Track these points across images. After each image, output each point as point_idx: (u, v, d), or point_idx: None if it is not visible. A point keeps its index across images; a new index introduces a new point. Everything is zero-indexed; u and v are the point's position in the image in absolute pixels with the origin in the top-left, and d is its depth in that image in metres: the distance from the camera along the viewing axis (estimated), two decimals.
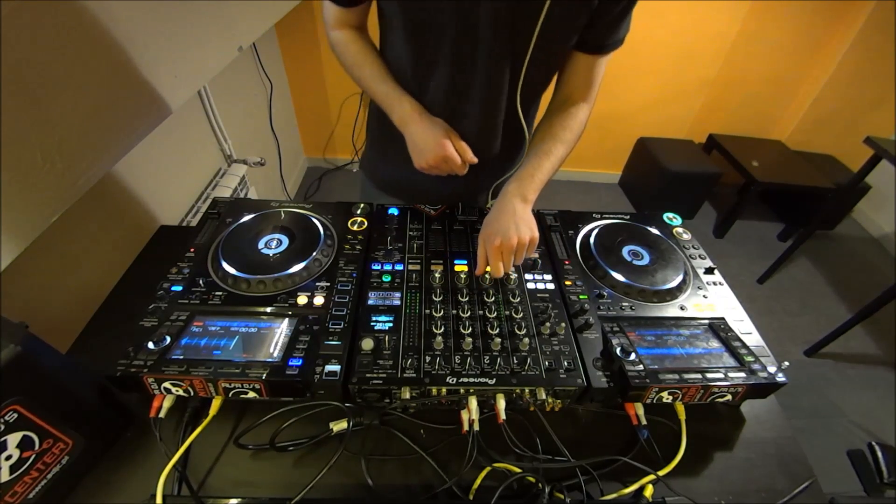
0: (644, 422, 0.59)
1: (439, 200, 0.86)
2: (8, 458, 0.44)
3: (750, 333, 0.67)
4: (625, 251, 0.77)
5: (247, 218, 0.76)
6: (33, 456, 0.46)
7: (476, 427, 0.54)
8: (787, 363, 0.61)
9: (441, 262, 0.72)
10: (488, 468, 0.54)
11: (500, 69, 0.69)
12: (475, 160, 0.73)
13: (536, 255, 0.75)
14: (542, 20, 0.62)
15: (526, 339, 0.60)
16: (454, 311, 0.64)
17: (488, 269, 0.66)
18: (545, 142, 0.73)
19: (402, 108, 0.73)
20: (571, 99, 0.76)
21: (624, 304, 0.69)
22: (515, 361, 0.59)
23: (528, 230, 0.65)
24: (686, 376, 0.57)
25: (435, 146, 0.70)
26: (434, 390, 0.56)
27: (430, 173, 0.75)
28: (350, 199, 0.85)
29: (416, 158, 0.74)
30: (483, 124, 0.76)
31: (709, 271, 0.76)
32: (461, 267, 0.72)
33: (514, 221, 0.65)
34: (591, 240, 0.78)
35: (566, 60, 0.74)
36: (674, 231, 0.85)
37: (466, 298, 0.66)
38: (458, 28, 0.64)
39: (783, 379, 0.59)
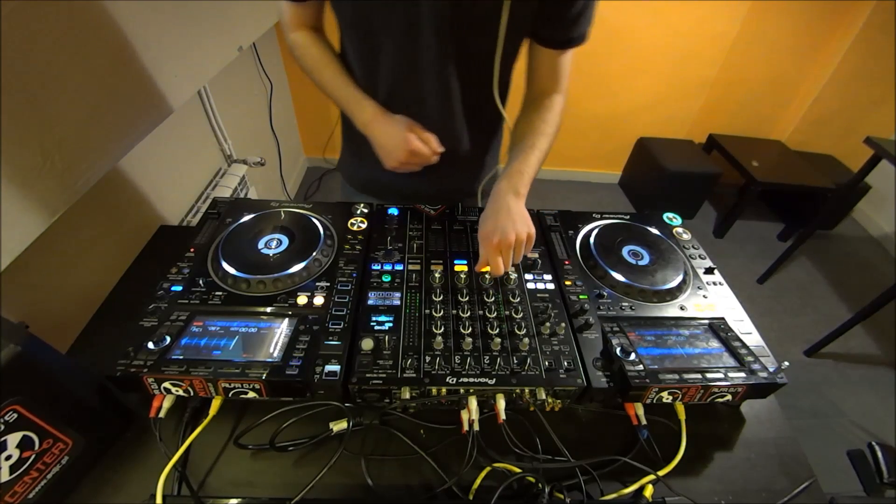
0: (644, 422, 0.59)
1: (419, 200, 0.86)
2: (8, 458, 0.44)
3: (750, 333, 0.67)
4: (625, 251, 0.77)
5: (247, 218, 0.76)
6: (33, 456, 0.46)
7: (476, 427, 0.54)
8: (787, 363, 0.61)
9: (441, 262, 0.72)
10: (488, 468, 0.54)
11: (447, 67, 0.70)
12: (442, 149, 0.74)
13: (536, 255, 0.75)
14: (504, 18, 0.63)
15: (526, 339, 0.60)
16: (454, 311, 0.64)
17: (487, 267, 0.66)
18: (528, 137, 0.73)
19: (362, 113, 0.74)
20: (545, 93, 0.76)
21: (624, 304, 0.69)
22: (515, 361, 0.59)
23: (525, 226, 0.65)
24: (686, 376, 0.57)
25: (400, 142, 0.71)
26: (434, 390, 0.56)
27: (404, 171, 0.75)
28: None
29: (386, 160, 0.75)
30: (440, 122, 0.76)
31: (709, 271, 0.76)
32: (461, 267, 0.72)
33: (511, 218, 0.65)
34: (591, 240, 0.78)
35: (533, 57, 0.74)
36: (674, 231, 0.85)
37: (466, 298, 0.66)
38: (401, 27, 0.65)
39: (783, 379, 0.59)
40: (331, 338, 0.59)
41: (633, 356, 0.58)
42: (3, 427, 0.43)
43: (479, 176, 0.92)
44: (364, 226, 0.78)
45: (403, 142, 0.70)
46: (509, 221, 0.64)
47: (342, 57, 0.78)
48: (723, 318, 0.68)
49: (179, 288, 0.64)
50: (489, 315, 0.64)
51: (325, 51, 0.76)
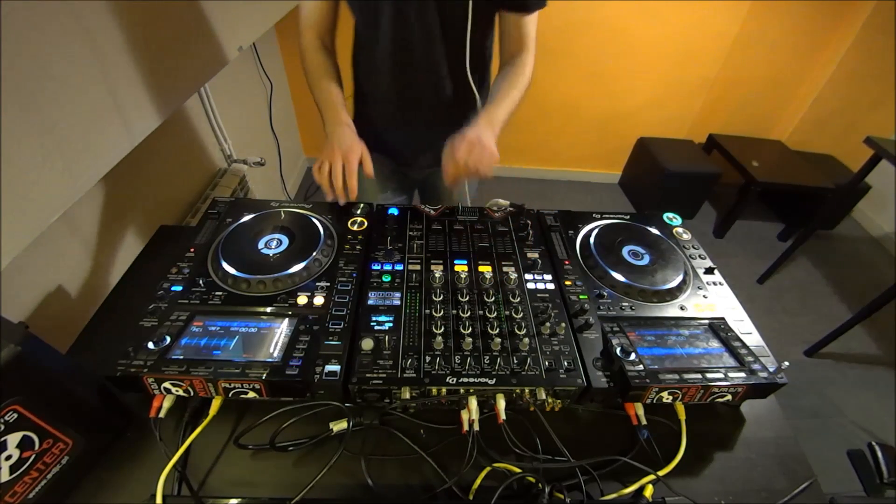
0: (644, 422, 0.59)
1: (408, 158, 1.05)
2: (8, 458, 0.44)
3: (750, 333, 0.67)
4: (625, 251, 0.77)
5: (247, 218, 0.76)
6: (33, 456, 0.46)
7: (476, 427, 0.54)
8: (787, 363, 0.61)
9: (441, 262, 0.72)
10: (488, 468, 0.54)
11: (433, 32, 0.82)
12: (345, 194, 0.78)
13: (536, 255, 0.75)
14: None
15: (526, 339, 0.60)
16: (454, 311, 0.64)
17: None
18: (503, 88, 0.86)
19: (332, 120, 0.83)
20: (515, 54, 0.89)
21: (624, 304, 0.69)
22: (515, 361, 0.59)
23: (492, 151, 0.75)
24: (686, 376, 0.57)
25: (335, 150, 0.78)
26: (434, 390, 0.56)
27: (321, 167, 0.79)
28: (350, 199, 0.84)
29: (324, 149, 0.81)
30: (427, 83, 0.90)
31: (709, 271, 0.76)
32: (461, 267, 0.72)
33: (481, 143, 0.75)
34: (591, 240, 0.78)
35: (502, 24, 0.87)
36: (674, 231, 0.85)
37: (466, 298, 0.66)
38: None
39: (783, 379, 0.59)
40: (331, 338, 0.59)
41: (633, 356, 0.58)
42: (3, 427, 0.42)
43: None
44: (364, 226, 0.78)
45: (335, 152, 0.78)
46: (475, 139, 0.75)
47: (354, 43, 0.93)
48: (723, 318, 0.68)
49: (179, 288, 0.64)
50: (489, 315, 0.64)
51: (328, 61, 0.88)
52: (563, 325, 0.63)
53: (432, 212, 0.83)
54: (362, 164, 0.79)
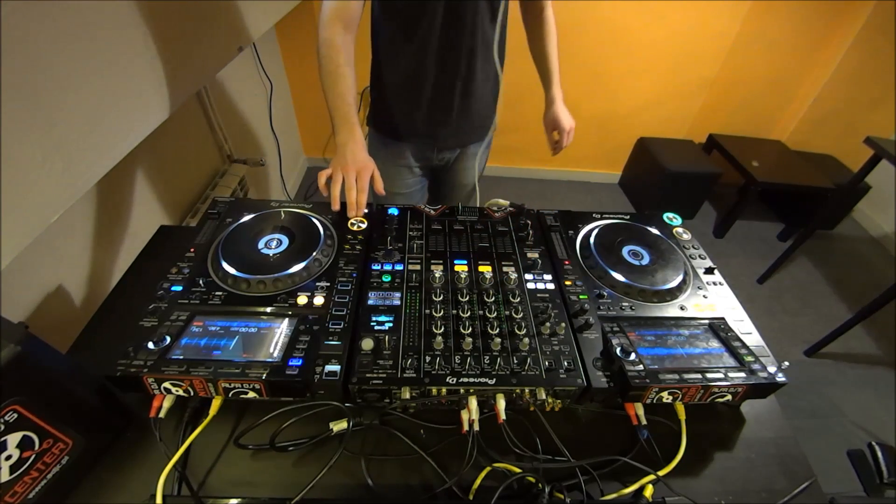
0: (644, 422, 0.59)
1: (423, 140, 1.08)
2: (8, 458, 0.44)
3: (750, 333, 0.67)
4: (625, 251, 0.77)
5: (247, 218, 0.76)
6: (33, 456, 0.46)
7: (476, 427, 0.54)
8: (787, 363, 0.61)
9: (441, 262, 0.72)
10: (488, 468, 0.54)
11: (482, 26, 0.91)
12: (349, 208, 0.80)
13: (536, 255, 0.75)
14: None
15: (526, 339, 0.60)
16: (454, 311, 0.64)
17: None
18: (550, 55, 1.11)
19: (346, 132, 0.84)
20: (540, 10, 1.07)
21: (624, 304, 0.69)
22: (515, 361, 0.58)
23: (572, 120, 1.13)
24: (686, 376, 0.57)
25: (344, 162, 0.82)
26: (434, 390, 0.56)
27: (333, 177, 0.82)
28: None
29: (336, 161, 0.84)
30: (464, 71, 0.96)
31: (709, 271, 0.76)
32: (461, 267, 0.72)
33: (569, 116, 1.13)
34: (591, 240, 0.78)
35: None
36: (674, 231, 0.85)
37: (466, 298, 0.66)
38: None
39: (783, 379, 0.59)
40: (331, 338, 0.59)
41: (633, 356, 0.58)
42: (3, 427, 0.42)
43: (486, 121, 1.12)
44: (364, 226, 0.78)
45: (349, 167, 0.81)
46: (569, 117, 1.12)
47: (374, 19, 0.96)
48: (723, 318, 0.68)
49: (179, 288, 0.64)
50: (489, 315, 0.64)
51: (349, 62, 0.86)
52: (563, 325, 0.63)
53: (432, 212, 0.83)
54: (373, 181, 0.84)
